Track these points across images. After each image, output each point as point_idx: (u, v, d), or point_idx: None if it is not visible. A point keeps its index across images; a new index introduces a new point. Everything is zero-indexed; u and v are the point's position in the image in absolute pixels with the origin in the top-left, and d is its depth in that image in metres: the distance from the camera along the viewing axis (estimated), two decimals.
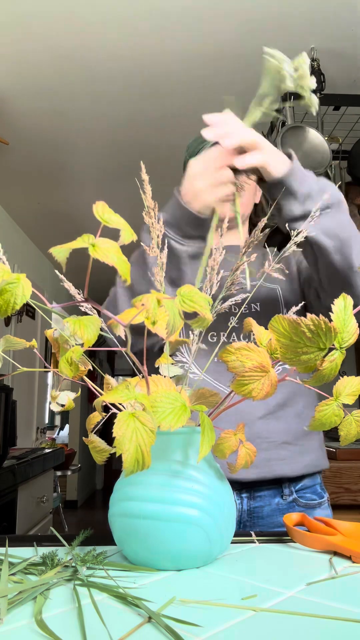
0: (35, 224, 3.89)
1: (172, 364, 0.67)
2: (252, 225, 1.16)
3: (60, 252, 0.46)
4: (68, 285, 0.68)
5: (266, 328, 0.60)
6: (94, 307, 0.64)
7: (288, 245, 0.69)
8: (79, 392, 0.68)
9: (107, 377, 0.64)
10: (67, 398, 0.61)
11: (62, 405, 0.61)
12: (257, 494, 0.98)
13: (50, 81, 2.28)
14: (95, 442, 0.63)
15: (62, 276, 0.66)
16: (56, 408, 0.62)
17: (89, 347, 0.51)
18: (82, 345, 0.56)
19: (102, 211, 0.48)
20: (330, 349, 0.52)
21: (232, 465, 0.62)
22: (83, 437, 0.64)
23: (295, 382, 0.58)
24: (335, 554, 0.59)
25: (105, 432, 0.65)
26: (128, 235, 0.49)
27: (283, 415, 0.98)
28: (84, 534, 0.63)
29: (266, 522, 0.97)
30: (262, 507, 0.98)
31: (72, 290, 0.68)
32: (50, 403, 0.63)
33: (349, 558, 0.57)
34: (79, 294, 0.70)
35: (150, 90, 2.36)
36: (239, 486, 0.95)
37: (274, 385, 0.53)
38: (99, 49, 2.09)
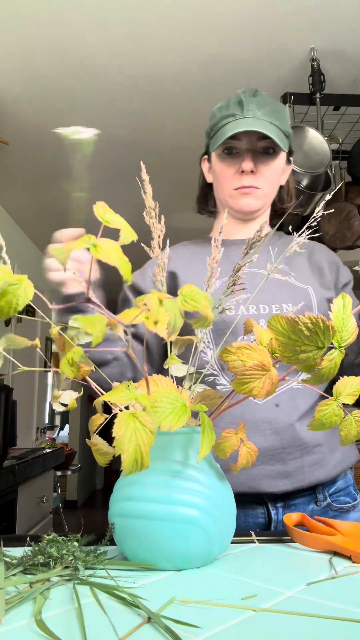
0: (35, 224, 3.89)
1: (182, 363, 0.67)
2: (275, 212, 1.09)
3: (61, 252, 0.46)
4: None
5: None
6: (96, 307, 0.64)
7: (290, 245, 0.69)
8: (82, 392, 0.68)
9: None
10: (69, 398, 0.61)
11: (65, 405, 0.61)
12: (291, 503, 0.93)
13: (51, 82, 2.28)
14: (98, 444, 0.63)
15: (45, 299, 0.61)
16: (59, 408, 0.61)
17: (97, 344, 0.51)
18: (83, 345, 0.56)
19: (103, 211, 0.48)
20: (330, 348, 0.52)
21: (234, 465, 0.62)
22: (86, 439, 0.64)
23: (294, 381, 0.58)
24: (336, 554, 0.59)
25: (106, 432, 0.64)
26: (128, 235, 0.49)
27: (311, 418, 0.93)
28: (86, 538, 0.62)
29: None
30: None
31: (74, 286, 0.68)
32: (52, 403, 0.63)
33: (349, 558, 0.57)
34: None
35: (151, 90, 2.36)
36: (273, 497, 0.91)
37: (275, 384, 0.53)
38: (99, 49, 2.09)
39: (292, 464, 0.90)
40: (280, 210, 1.09)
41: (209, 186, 1.09)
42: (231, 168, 1.00)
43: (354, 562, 0.56)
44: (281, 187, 1.06)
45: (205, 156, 1.08)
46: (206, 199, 1.11)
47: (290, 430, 0.89)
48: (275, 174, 1.00)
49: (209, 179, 1.08)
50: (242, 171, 0.98)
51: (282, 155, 1.00)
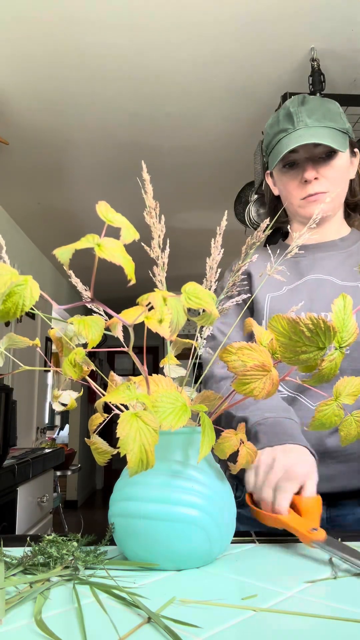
0: (35, 224, 3.89)
1: (178, 365, 0.67)
2: (347, 206, 1.08)
3: (64, 253, 0.46)
4: (75, 281, 0.67)
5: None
6: (99, 307, 0.64)
7: (290, 247, 0.69)
8: (82, 392, 0.68)
9: (112, 374, 0.64)
10: (69, 398, 0.61)
11: (65, 405, 0.61)
12: (338, 501, 0.90)
13: (51, 81, 2.28)
14: (97, 443, 0.63)
15: (70, 272, 0.65)
16: (59, 408, 0.61)
17: (93, 347, 0.51)
18: (84, 345, 0.56)
19: (106, 211, 0.48)
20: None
21: (233, 466, 0.62)
22: (85, 438, 0.64)
23: (295, 382, 0.58)
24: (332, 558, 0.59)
25: (106, 432, 0.64)
26: (130, 234, 0.49)
27: None
28: (86, 538, 0.62)
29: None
30: (346, 516, 0.91)
31: (80, 286, 0.68)
32: (52, 403, 0.63)
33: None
34: (86, 290, 0.69)
35: (151, 90, 2.36)
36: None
37: (276, 384, 0.53)
38: (99, 49, 2.09)
39: (334, 468, 0.88)
40: (353, 204, 1.07)
41: (277, 199, 1.10)
42: (294, 180, 0.99)
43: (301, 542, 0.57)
44: (351, 180, 1.04)
45: (268, 171, 1.08)
46: (276, 211, 1.11)
47: (330, 440, 0.88)
48: (340, 173, 0.99)
49: (276, 192, 1.08)
50: (306, 181, 0.97)
51: (344, 153, 0.99)
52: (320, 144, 0.94)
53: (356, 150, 1.04)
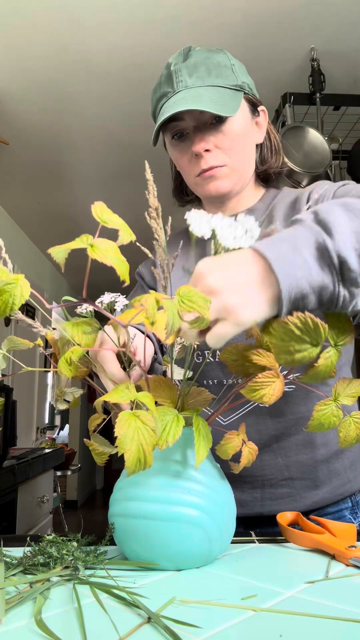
0: (35, 224, 3.89)
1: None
2: (258, 175, 0.91)
3: (59, 252, 0.46)
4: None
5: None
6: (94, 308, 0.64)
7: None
8: (85, 389, 0.68)
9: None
10: (72, 395, 0.61)
11: (69, 402, 0.61)
12: (255, 527, 0.84)
13: (51, 81, 2.28)
14: (94, 445, 0.63)
15: (43, 299, 0.64)
16: (63, 406, 0.62)
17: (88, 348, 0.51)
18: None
19: (101, 211, 0.48)
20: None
21: (235, 465, 0.62)
22: (84, 439, 0.64)
23: (293, 381, 0.58)
24: (334, 558, 0.59)
25: (106, 430, 0.64)
26: (126, 235, 0.49)
27: (281, 447, 0.82)
28: (86, 538, 0.62)
29: None
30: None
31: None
32: (56, 401, 0.63)
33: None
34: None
35: (151, 90, 2.36)
36: None
37: (282, 389, 0.53)
38: (100, 49, 2.09)
39: (249, 494, 0.82)
40: (263, 174, 0.91)
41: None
42: (185, 155, 0.84)
43: (337, 560, 0.57)
44: (260, 145, 0.88)
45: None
46: (181, 188, 0.99)
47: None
48: (238, 139, 0.82)
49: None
50: (196, 155, 0.82)
51: (238, 116, 0.82)
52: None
53: (261, 108, 0.87)
